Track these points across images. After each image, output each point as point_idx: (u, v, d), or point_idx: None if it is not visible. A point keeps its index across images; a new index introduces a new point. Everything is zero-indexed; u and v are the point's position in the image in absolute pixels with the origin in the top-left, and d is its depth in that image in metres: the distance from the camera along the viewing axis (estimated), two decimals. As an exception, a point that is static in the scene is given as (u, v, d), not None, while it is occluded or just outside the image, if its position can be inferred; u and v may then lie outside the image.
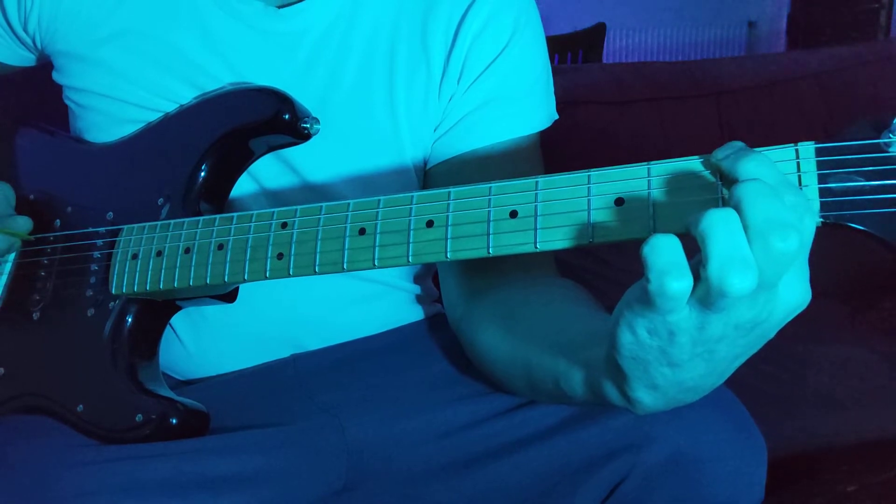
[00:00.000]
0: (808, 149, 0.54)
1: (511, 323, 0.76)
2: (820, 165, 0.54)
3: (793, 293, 0.51)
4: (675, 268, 0.48)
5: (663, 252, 0.48)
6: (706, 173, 0.56)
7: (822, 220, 0.54)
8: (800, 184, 0.54)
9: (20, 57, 0.95)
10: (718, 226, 0.48)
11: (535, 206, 0.60)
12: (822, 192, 0.54)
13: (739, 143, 0.54)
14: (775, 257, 0.48)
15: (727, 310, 0.49)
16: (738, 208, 0.49)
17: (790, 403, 1.30)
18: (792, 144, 0.55)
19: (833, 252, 1.57)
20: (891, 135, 0.52)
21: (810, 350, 1.45)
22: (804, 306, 0.52)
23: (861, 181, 0.53)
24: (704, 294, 0.49)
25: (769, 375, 1.37)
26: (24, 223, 0.87)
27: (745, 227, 0.48)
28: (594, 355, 0.60)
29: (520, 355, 0.73)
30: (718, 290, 0.47)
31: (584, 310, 0.74)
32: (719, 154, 0.54)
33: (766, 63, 1.92)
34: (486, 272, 0.83)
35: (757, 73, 1.76)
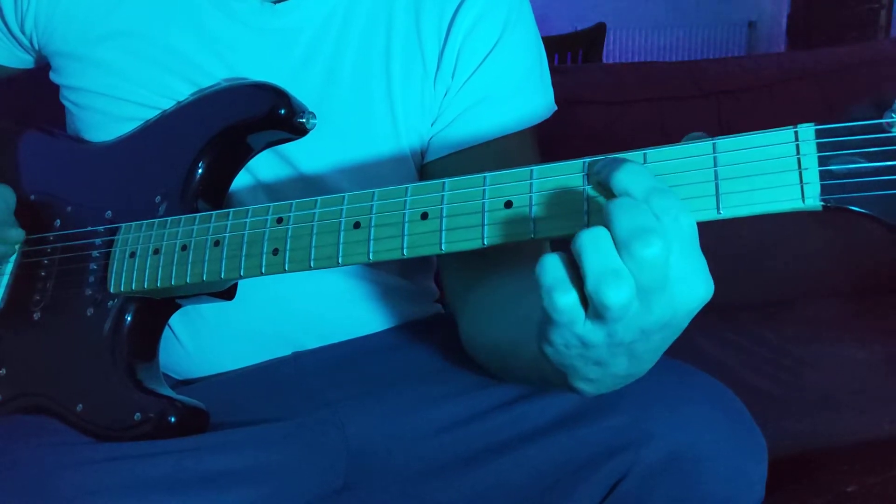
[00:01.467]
0: (807, 131, 0.53)
1: (489, 322, 0.77)
2: (820, 147, 0.53)
3: (691, 289, 0.53)
4: (559, 284, 0.52)
5: (549, 270, 0.52)
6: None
7: (822, 203, 0.53)
8: (799, 167, 0.53)
9: (18, 59, 0.95)
10: (587, 245, 0.51)
11: (531, 196, 0.60)
12: (823, 175, 0.53)
13: (612, 157, 0.56)
14: (644, 264, 0.50)
15: (622, 319, 0.52)
16: (607, 225, 0.51)
17: (790, 403, 1.30)
18: (791, 126, 0.54)
19: (833, 253, 1.57)
20: (893, 115, 0.51)
21: (810, 350, 1.45)
22: (709, 297, 0.54)
23: (863, 163, 0.52)
24: (594, 308, 0.52)
25: (769, 375, 1.37)
26: (16, 235, 0.87)
27: (615, 242, 0.51)
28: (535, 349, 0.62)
29: (497, 351, 0.76)
30: (600, 304, 0.51)
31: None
32: (594, 168, 0.57)
33: (766, 63, 1.92)
34: (474, 267, 0.83)
35: (757, 73, 1.75)
